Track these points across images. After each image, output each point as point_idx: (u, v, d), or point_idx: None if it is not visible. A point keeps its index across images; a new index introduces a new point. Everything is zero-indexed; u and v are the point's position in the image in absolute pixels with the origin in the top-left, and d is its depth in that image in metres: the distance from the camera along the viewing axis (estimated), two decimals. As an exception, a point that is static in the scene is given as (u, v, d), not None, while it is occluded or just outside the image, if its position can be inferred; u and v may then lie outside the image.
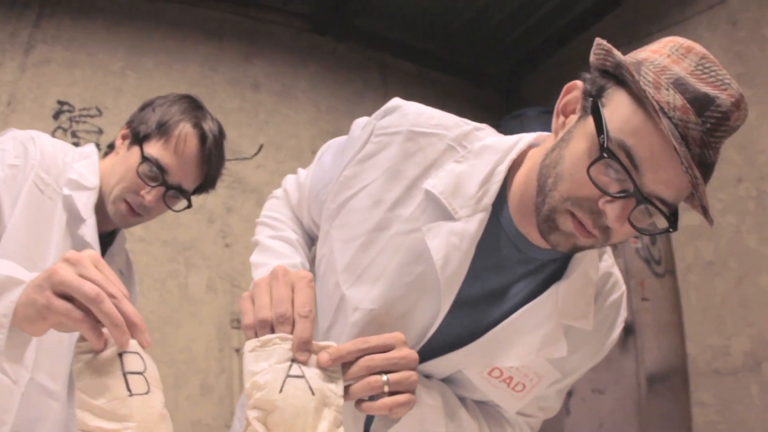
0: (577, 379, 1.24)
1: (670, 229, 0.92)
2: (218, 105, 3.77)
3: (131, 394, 0.82)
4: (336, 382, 0.93)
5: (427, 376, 1.12)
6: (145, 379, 0.84)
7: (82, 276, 0.82)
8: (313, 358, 0.92)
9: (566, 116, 1.00)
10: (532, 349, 1.07)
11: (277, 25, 4.23)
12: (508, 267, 1.09)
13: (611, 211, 0.89)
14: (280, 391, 0.88)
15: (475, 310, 1.09)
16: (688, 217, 3.24)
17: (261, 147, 3.97)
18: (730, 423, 2.93)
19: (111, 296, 0.82)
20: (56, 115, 3.51)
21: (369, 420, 1.12)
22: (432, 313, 1.06)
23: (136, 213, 1.56)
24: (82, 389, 0.82)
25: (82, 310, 0.82)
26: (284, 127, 4.11)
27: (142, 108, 1.63)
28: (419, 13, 4.34)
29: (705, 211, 0.89)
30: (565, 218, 0.94)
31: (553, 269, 1.11)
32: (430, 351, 1.08)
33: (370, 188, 1.09)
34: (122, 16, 3.79)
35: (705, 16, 3.47)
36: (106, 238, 1.64)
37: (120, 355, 0.84)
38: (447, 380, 1.15)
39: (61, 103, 3.53)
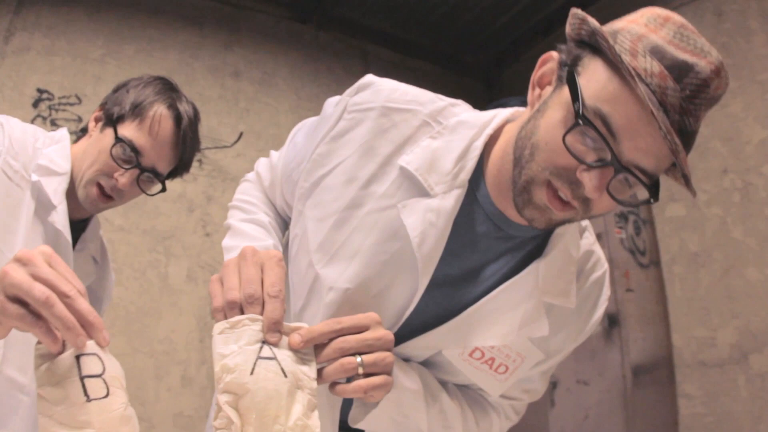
0: (561, 360, 1.21)
1: (651, 200, 0.90)
2: (198, 93, 3.74)
3: (89, 399, 0.79)
4: (309, 364, 0.91)
5: (407, 360, 1.09)
6: (104, 381, 0.81)
7: (34, 276, 0.78)
8: (285, 339, 0.90)
9: (542, 88, 0.99)
10: (513, 328, 1.04)
11: (258, 12, 4.20)
12: (487, 244, 1.06)
13: (589, 180, 0.87)
14: (251, 373, 0.85)
15: (454, 289, 1.06)
16: (674, 207, 3.25)
17: (241, 135, 3.92)
18: (716, 415, 2.93)
19: (64, 295, 0.78)
20: (35, 104, 3.47)
21: (346, 405, 1.09)
22: (409, 292, 1.03)
23: (108, 197, 1.52)
24: (42, 394, 0.79)
25: (36, 313, 0.78)
26: (264, 115, 4.08)
27: (116, 89, 1.59)
28: (400, 1, 4.32)
29: (687, 181, 0.87)
30: (540, 191, 0.92)
31: (533, 247, 1.08)
32: (409, 332, 1.06)
33: (344, 165, 1.07)
34: (102, 3, 3.75)
35: (690, 7, 3.46)
36: (79, 225, 1.59)
37: (78, 357, 0.80)
38: (427, 364, 1.12)
39: (40, 91, 3.50)
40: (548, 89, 0.97)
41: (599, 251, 1.16)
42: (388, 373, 0.95)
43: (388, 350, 0.96)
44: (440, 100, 1.10)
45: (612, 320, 2.83)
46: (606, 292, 1.15)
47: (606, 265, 1.16)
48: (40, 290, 0.76)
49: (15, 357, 1.34)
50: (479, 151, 1.03)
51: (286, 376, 0.86)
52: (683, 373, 3.07)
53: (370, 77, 1.12)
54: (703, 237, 3.18)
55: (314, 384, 0.90)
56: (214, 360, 0.87)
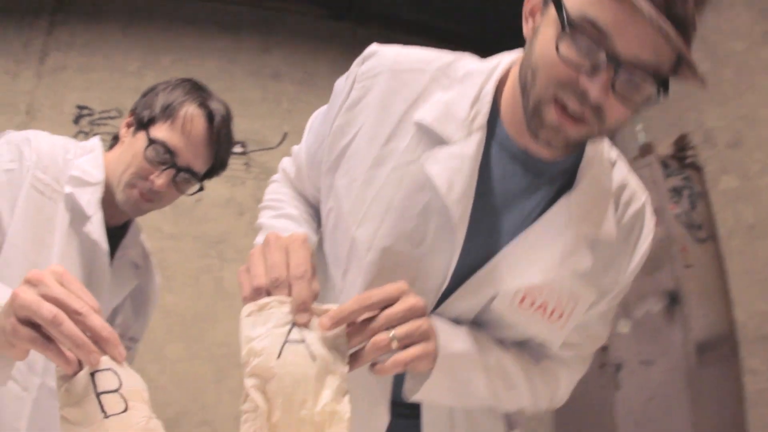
0: (617, 301, 1.18)
1: (660, 94, 0.89)
2: (239, 97, 3.75)
3: (106, 416, 0.77)
4: (340, 348, 0.88)
5: (457, 321, 1.07)
6: (121, 396, 0.79)
7: (44, 296, 0.78)
8: (315, 322, 0.88)
9: (534, 18, 1.00)
10: (554, 263, 1.03)
11: (293, 13, 4.20)
12: (516, 185, 1.06)
13: (592, 85, 0.87)
14: (278, 357, 0.83)
15: (490, 234, 1.06)
16: (726, 180, 3.18)
17: (285, 135, 3.94)
18: (783, 389, 2.87)
19: (75, 312, 0.77)
20: (76, 120, 3.54)
21: (399, 381, 1.08)
22: (448, 243, 1.03)
23: (149, 199, 1.52)
24: (64, 415, 0.79)
25: (48, 335, 0.78)
26: (308, 115, 3.98)
27: (145, 94, 1.59)
28: (437, -9, 4.28)
29: (691, 68, 0.87)
30: (548, 109, 0.93)
31: (562, 183, 1.08)
32: (456, 286, 1.05)
33: (364, 129, 1.08)
34: (135, 17, 3.80)
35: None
36: (118, 232, 1.60)
37: (93, 374, 0.79)
38: (479, 323, 1.10)
39: (80, 107, 3.57)
40: (539, 16, 0.98)
41: (635, 183, 1.15)
42: (426, 340, 0.93)
43: (422, 317, 0.93)
44: (445, 56, 1.11)
45: (673, 298, 2.78)
46: (649, 223, 1.14)
47: (644, 196, 1.14)
48: (48, 310, 0.76)
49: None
50: (491, 94, 1.05)
51: (314, 360, 0.85)
52: (747, 348, 3.00)
53: (374, 46, 1.14)
54: (758, 208, 3.10)
55: (345, 368, 0.87)
56: (241, 343, 0.85)
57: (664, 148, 3.10)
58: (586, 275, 1.07)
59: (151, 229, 1.81)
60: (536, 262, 1.04)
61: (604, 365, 2.77)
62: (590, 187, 1.06)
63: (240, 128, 3.63)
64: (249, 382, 0.83)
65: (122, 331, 1.62)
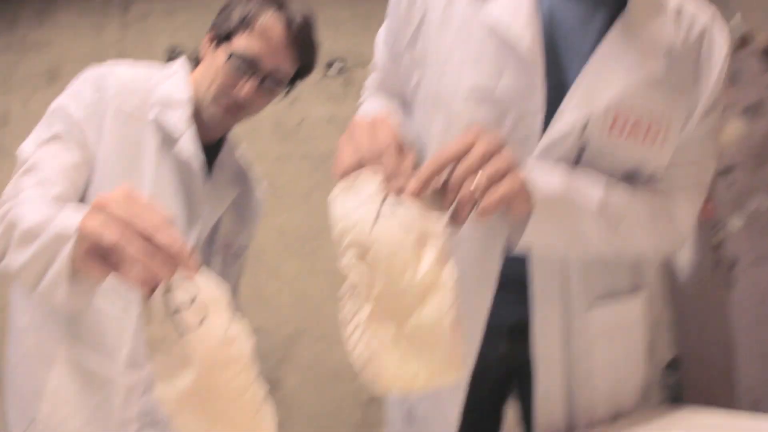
0: (712, 124, 1.16)
1: None
2: (329, 17, 3.69)
3: (183, 333, 0.75)
4: (434, 213, 0.86)
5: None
6: (197, 309, 0.76)
7: (109, 220, 0.76)
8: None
9: None
10: (630, 73, 1.06)
11: (378, -74, 4.07)
12: (573, 17, 1.10)
13: None
14: (373, 229, 0.81)
15: (562, 67, 1.09)
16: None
17: (381, 50, 3.90)
18: None
19: (142, 233, 0.75)
20: (170, 59, 3.58)
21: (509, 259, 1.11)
22: (529, 77, 1.06)
23: (236, 110, 1.52)
24: (147, 336, 0.77)
25: (116, 261, 0.77)
26: (401, 25, 3.99)
27: (222, 9, 1.60)
28: None
29: None
30: None
31: (615, 9, 1.10)
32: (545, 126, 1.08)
33: (428, 8, 1.15)
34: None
35: None
36: (214, 149, 1.61)
37: (167, 291, 0.76)
38: (578, 163, 1.10)
39: (172, 48, 3.61)
40: None
41: (693, 6, 1.15)
42: (512, 174, 0.91)
43: (500, 156, 0.91)
44: None
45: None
46: (719, 37, 1.14)
47: (707, 15, 1.14)
48: (108, 237, 0.75)
49: None
50: None
51: (410, 227, 0.82)
52: None
53: None
54: None
55: (443, 233, 0.84)
56: (332, 222, 0.84)
57: (764, 38, 2.95)
58: (666, 89, 1.09)
59: (257, 152, 1.84)
60: (613, 77, 1.06)
61: (719, 264, 2.75)
62: (644, 7, 1.09)
63: (334, 48, 3.66)
64: (346, 258, 0.82)
65: (228, 241, 1.63)
